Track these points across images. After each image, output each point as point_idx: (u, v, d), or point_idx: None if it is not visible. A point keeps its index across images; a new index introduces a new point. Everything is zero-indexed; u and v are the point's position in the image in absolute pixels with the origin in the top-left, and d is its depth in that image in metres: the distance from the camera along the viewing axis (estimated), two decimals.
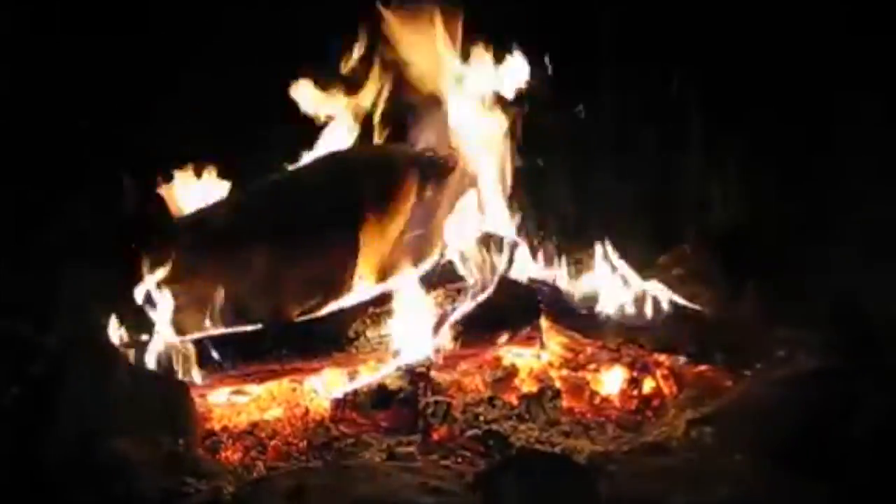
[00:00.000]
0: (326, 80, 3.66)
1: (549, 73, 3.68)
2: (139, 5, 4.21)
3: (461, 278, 3.38)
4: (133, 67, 4.13)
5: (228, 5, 4.23)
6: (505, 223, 3.58)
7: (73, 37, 4.16)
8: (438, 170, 3.50)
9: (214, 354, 3.25)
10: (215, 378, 3.24)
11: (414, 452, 2.87)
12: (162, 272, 3.31)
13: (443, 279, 3.41)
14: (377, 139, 3.69)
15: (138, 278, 3.32)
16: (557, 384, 3.24)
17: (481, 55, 3.60)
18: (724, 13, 4.11)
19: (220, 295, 3.32)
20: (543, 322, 3.31)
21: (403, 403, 3.07)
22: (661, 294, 3.49)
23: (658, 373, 3.27)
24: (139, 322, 3.32)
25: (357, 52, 3.63)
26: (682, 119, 4.21)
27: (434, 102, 3.58)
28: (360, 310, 3.31)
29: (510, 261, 3.46)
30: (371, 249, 3.36)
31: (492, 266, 3.40)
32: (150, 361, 3.20)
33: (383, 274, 3.40)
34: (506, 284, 3.36)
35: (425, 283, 3.37)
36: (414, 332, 3.27)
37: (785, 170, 4.03)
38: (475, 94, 3.59)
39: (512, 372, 3.28)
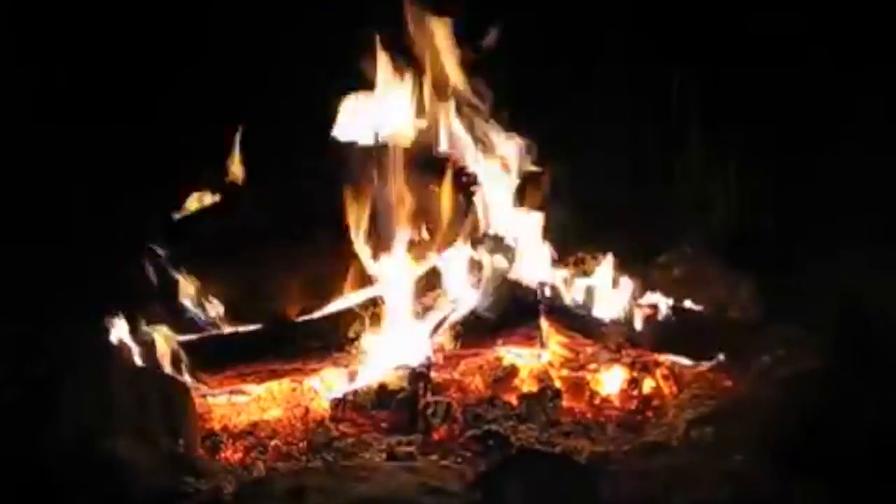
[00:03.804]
0: None
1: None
2: None
3: (461, 278, 3.38)
4: None
5: None
6: (505, 223, 3.58)
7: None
8: (438, 167, 3.51)
9: (214, 354, 3.26)
10: (215, 378, 3.24)
11: (414, 452, 2.87)
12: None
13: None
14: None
15: (139, 277, 3.32)
16: (557, 384, 3.24)
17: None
18: (724, 13, 4.10)
19: (220, 295, 3.33)
20: (543, 322, 3.31)
21: (403, 403, 3.07)
22: (661, 295, 3.48)
23: (658, 373, 3.27)
24: (139, 322, 3.31)
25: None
26: (683, 119, 4.21)
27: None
28: (359, 310, 3.31)
29: (510, 261, 3.46)
30: (371, 248, 3.36)
31: (492, 266, 3.40)
32: (150, 361, 3.20)
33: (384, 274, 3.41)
34: (506, 284, 3.36)
35: (426, 283, 3.37)
36: (414, 333, 3.27)
37: (785, 170, 4.02)
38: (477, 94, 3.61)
39: (512, 372, 3.28)
